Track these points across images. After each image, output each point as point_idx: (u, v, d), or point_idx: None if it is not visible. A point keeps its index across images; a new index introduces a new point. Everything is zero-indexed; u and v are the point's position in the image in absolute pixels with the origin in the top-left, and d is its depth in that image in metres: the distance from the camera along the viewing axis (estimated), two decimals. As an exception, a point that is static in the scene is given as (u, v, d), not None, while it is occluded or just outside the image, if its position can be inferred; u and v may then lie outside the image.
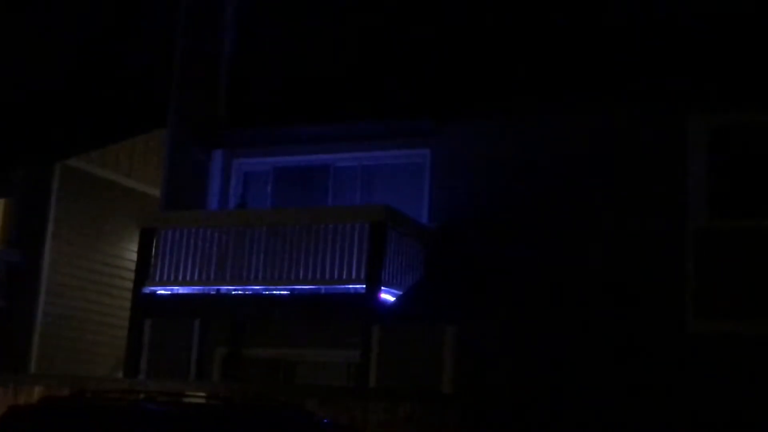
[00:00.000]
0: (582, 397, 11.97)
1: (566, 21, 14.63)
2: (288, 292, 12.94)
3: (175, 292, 13.57)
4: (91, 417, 7.36)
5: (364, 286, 12.37)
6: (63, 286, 17.65)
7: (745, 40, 13.28)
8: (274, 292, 13.03)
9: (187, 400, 8.12)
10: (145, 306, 13.68)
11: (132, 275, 14.42)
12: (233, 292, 13.28)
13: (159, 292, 13.61)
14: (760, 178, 12.29)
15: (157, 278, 13.53)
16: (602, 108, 13.28)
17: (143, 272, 13.65)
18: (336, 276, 12.57)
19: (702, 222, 12.32)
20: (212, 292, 13.38)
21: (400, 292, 12.94)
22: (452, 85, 14.48)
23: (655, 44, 13.57)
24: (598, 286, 12.58)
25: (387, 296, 12.67)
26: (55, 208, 17.65)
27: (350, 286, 12.52)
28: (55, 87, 18.52)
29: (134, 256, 14.44)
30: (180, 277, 13.40)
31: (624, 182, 12.90)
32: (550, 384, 12.27)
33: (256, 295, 13.11)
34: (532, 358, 12.55)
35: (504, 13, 15.01)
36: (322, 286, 12.72)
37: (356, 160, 14.78)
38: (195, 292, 13.47)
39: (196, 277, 13.30)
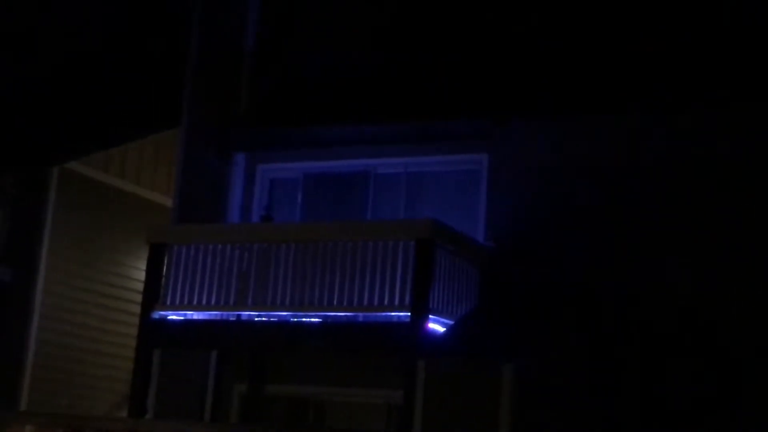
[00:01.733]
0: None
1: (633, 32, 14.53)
2: (319, 320, 12.66)
3: (189, 317, 13.34)
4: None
5: (409, 314, 11.98)
6: (59, 309, 17.65)
7: None
8: (304, 319, 12.79)
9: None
10: (153, 334, 13.36)
11: (139, 297, 14.20)
12: (256, 319, 13.07)
13: (170, 317, 13.36)
14: None
15: (168, 302, 13.26)
16: (698, 106, 13.13)
17: (152, 294, 13.38)
18: (376, 302, 12.19)
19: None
20: (232, 319, 13.29)
21: (451, 322, 12.57)
22: (515, 79, 14.36)
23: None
24: (689, 317, 12.26)
25: (435, 326, 12.29)
26: (51, 218, 17.70)
27: (392, 313, 12.21)
28: (51, 80, 18.57)
29: (142, 276, 14.23)
30: (195, 301, 13.09)
31: (727, 192, 12.61)
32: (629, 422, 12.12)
33: (283, 323, 12.91)
34: (607, 404, 12.28)
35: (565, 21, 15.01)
36: (360, 314, 12.47)
37: (400, 166, 14.66)
38: (212, 318, 13.35)
39: (213, 300, 13.00)
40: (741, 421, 11.31)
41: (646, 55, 13.93)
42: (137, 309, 14.31)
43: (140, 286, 14.30)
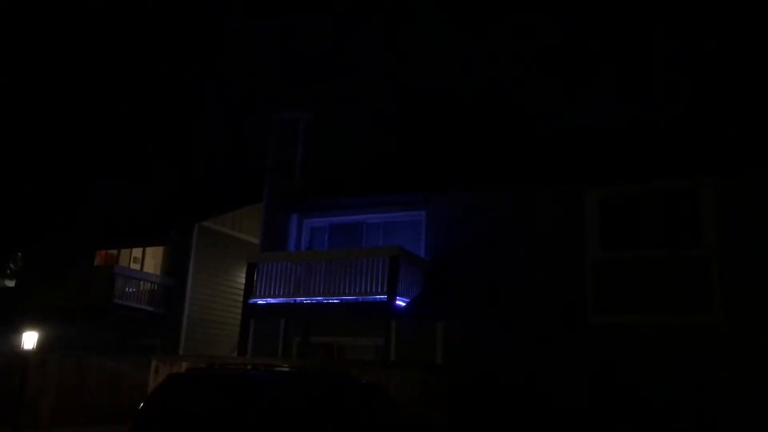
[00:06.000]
0: (519, 361, 11.68)
1: (508, 136, 14.80)
2: (338, 301, 12.63)
3: (269, 302, 13.33)
4: (218, 380, 7.38)
5: (386, 296, 12.19)
6: (199, 300, 17.59)
7: (618, 139, 13.25)
8: (330, 300, 12.70)
9: (277, 369, 8.10)
10: (250, 311, 13.48)
11: (242, 292, 14.25)
12: (304, 302, 12.96)
13: (259, 302, 13.39)
14: (634, 226, 11.90)
15: (258, 293, 13.38)
16: (528, 186, 13.02)
17: (249, 290, 13.50)
18: (368, 290, 12.39)
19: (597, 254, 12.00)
20: (291, 302, 13.10)
21: (409, 300, 12.72)
22: (437, 174, 14.44)
23: (563, 146, 13.61)
24: (529, 296, 12.18)
25: (400, 303, 12.46)
26: (195, 251, 17.64)
27: (377, 296, 12.30)
28: (202, 185, 18.71)
29: (243, 281, 14.26)
30: (272, 293, 13.24)
31: (546, 232, 12.51)
32: (498, 353, 11.95)
33: (319, 303, 12.80)
34: (489, 341, 12.17)
35: (469, 134, 15.33)
36: (359, 297, 12.44)
37: (379, 219, 14.45)
38: (280, 302, 13.19)
39: (281, 292, 13.15)
40: None
41: (504, 159, 14.15)
42: (240, 298, 14.45)
43: (242, 286, 14.34)
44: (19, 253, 20.87)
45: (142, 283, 17.71)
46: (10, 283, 20.74)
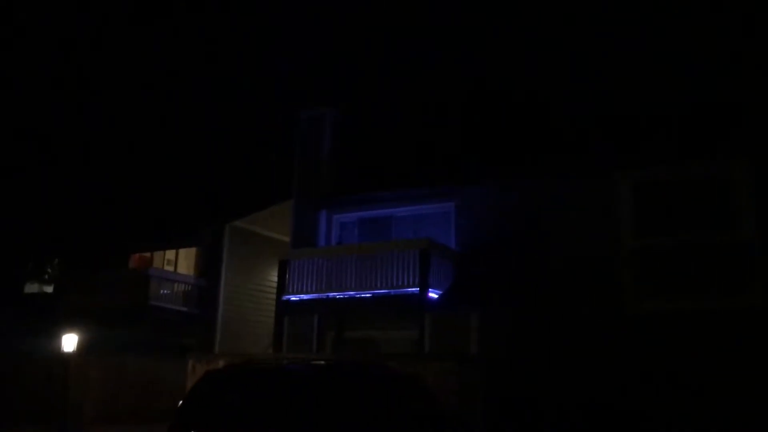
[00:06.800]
0: (554, 354, 11.56)
1: (534, 126, 14.58)
2: (371, 295, 12.69)
3: (302, 298, 13.43)
4: (255, 375, 7.35)
5: (418, 289, 12.21)
6: (233, 298, 17.67)
7: (654, 124, 13.06)
8: (362, 294, 12.78)
9: (313, 363, 8.12)
10: (283, 308, 13.61)
11: (274, 289, 14.37)
12: (337, 297, 13.05)
13: (292, 299, 13.51)
14: (666, 211, 11.70)
15: (290, 290, 13.51)
16: (558, 174, 12.88)
17: (281, 287, 13.63)
18: (400, 283, 12.42)
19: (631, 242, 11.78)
20: (324, 297, 13.19)
21: (441, 292, 12.70)
22: (466, 166, 14.43)
23: (594, 134, 13.51)
24: (563, 286, 12.02)
25: (433, 295, 12.46)
26: (227, 251, 17.75)
27: (409, 289, 12.32)
28: (227, 180, 18.73)
29: (275, 278, 14.38)
30: (304, 289, 13.36)
31: (578, 219, 12.39)
32: (534, 345, 11.83)
33: (351, 298, 12.92)
34: (522, 330, 12.07)
35: (495, 122, 15.07)
36: (392, 290, 12.52)
37: (409, 212, 14.41)
38: (313, 297, 13.32)
39: (313, 288, 13.26)
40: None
41: (534, 148, 13.98)
42: (273, 295, 14.68)
43: (275, 284, 14.48)
44: (56, 259, 21.26)
45: (176, 284, 17.93)
46: (49, 289, 21.15)
